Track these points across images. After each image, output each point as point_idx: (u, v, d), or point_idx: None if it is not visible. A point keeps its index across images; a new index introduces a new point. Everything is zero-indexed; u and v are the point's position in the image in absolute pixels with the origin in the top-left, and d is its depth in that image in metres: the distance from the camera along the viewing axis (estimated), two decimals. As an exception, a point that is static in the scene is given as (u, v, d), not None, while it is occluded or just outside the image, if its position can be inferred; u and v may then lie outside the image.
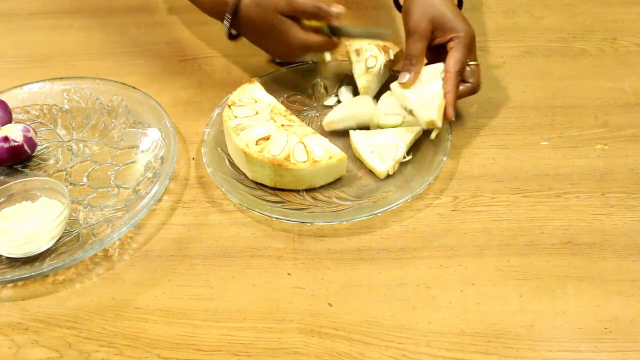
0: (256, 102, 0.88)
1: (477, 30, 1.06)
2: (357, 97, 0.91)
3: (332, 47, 0.90)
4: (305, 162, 0.80)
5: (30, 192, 0.82)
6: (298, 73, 0.97)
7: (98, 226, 0.80)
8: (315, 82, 0.96)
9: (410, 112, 0.84)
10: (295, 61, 0.96)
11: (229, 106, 0.87)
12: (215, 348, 0.69)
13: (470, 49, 0.84)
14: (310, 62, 0.96)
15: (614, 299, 0.70)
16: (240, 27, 0.91)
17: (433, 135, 0.85)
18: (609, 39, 1.03)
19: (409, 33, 0.85)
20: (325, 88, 0.95)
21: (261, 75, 0.95)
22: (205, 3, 0.92)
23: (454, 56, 0.82)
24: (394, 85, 0.85)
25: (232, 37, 0.94)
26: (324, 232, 0.78)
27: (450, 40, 0.84)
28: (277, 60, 0.99)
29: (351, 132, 0.87)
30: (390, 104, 0.87)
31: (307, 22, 0.88)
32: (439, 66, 0.85)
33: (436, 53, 0.86)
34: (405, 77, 0.83)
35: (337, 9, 0.86)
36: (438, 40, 0.85)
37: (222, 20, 0.91)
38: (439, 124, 0.82)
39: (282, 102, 0.93)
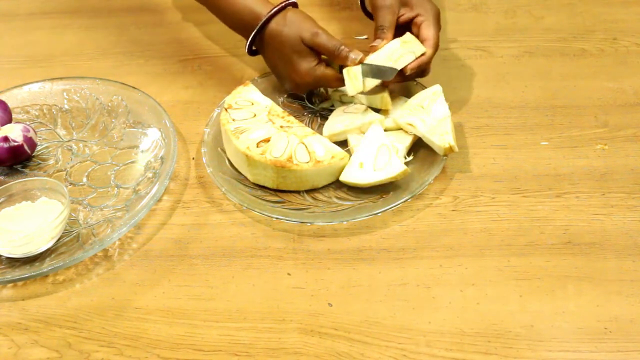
0: (253, 104, 0.88)
1: (477, 30, 1.07)
2: (354, 106, 0.89)
3: (339, 83, 0.87)
4: (308, 162, 0.80)
5: (30, 192, 0.82)
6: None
7: (98, 226, 0.80)
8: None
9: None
10: (305, 93, 0.93)
11: (226, 109, 0.87)
12: (215, 348, 0.69)
13: (439, 24, 0.89)
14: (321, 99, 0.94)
15: (614, 299, 0.70)
16: (262, 46, 0.90)
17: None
18: (609, 39, 1.03)
19: (378, 7, 0.88)
20: (325, 89, 0.95)
21: (256, 77, 0.95)
22: (233, 15, 0.90)
23: (431, 29, 0.87)
24: (396, 115, 0.85)
25: (252, 52, 0.92)
26: (324, 232, 0.78)
27: (418, 15, 0.88)
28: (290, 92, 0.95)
29: (349, 135, 0.86)
30: (398, 106, 0.88)
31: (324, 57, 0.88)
32: (436, 88, 0.86)
33: (398, 32, 0.88)
34: (377, 42, 0.86)
35: (355, 55, 0.84)
36: (405, 17, 0.89)
37: (245, 34, 0.90)
38: (456, 148, 0.81)
39: (283, 103, 0.93)
